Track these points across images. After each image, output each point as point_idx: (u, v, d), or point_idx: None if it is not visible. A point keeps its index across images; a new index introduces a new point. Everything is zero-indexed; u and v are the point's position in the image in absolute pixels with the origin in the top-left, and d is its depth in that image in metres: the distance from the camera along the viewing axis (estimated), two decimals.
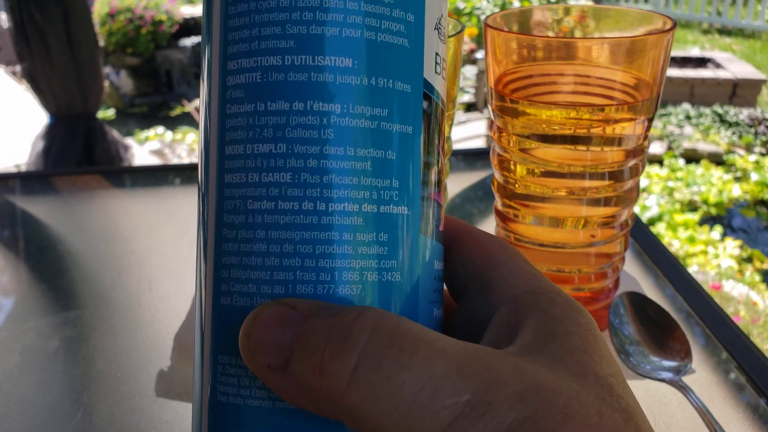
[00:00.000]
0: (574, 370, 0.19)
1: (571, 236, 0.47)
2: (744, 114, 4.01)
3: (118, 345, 0.54)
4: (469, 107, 4.18)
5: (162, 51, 5.04)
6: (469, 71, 4.33)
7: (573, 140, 0.43)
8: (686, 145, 3.64)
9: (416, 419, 0.18)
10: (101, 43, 4.56)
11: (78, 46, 2.16)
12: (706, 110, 4.07)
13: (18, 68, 3.46)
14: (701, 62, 4.63)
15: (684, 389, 0.43)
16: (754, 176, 3.31)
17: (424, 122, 0.22)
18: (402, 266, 0.21)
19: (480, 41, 4.46)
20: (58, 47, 2.12)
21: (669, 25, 0.43)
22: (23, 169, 2.70)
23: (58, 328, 0.56)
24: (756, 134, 3.84)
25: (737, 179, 3.34)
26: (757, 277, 2.46)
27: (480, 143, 3.60)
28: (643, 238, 0.68)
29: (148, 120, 4.51)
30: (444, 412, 0.18)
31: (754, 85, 4.29)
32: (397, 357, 0.18)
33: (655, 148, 3.55)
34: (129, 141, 3.04)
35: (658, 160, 3.49)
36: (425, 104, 0.22)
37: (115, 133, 2.46)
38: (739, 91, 4.28)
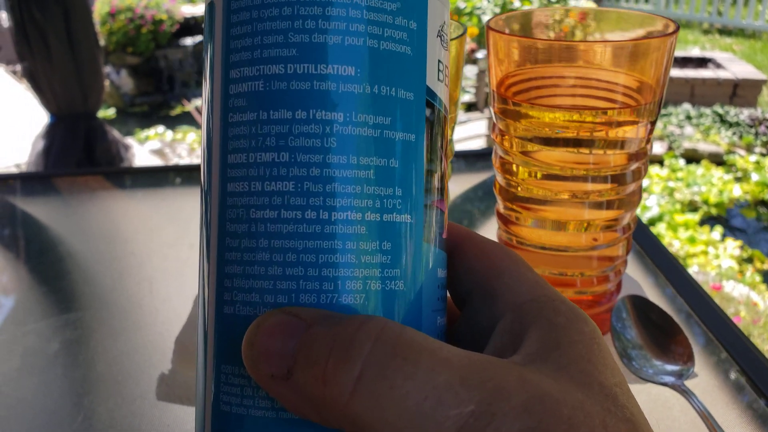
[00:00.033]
0: (578, 380, 0.19)
1: (573, 239, 0.47)
2: (744, 114, 4.01)
3: (118, 347, 0.54)
4: (470, 107, 4.18)
5: (162, 50, 5.04)
6: (470, 71, 4.33)
7: (575, 143, 0.43)
8: (687, 145, 3.64)
9: (420, 429, 0.18)
10: (102, 42, 4.55)
11: (78, 45, 2.16)
12: (707, 110, 4.07)
13: (18, 67, 3.46)
14: (702, 62, 4.63)
15: (686, 393, 0.43)
16: (755, 176, 3.31)
17: (426, 130, 0.22)
18: (405, 275, 0.21)
19: (480, 41, 4.46)
20: (58, 46, 2.12)
21: (672, 27, 0.43)
22: (23, 168, 2.70)
23: (58, 330, 0.56)
24: (756, 134, 3.84)
25: (738, 179, 3.34)
26: (758, 278, 2.46)
27: (480, 143, 3.60)
28: (643, 239, 0.68)
29: (148, 119, 4.51)
30: (448, 422, 0.17)
31: (755, 86, 4.29)
32: (400, 366, 0.18)
33: (656, 148, 3.55)
34: (129, 140, 3.04)
35: (659, 161, 3.49)
36: (428, 112, 0.22)
37: (115, 133, 2.46)
38: (739, 92, 4.28)
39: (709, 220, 2.99)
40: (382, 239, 0.21)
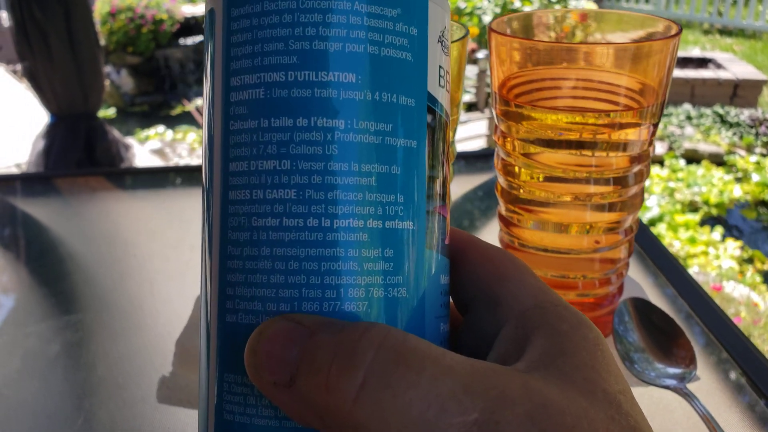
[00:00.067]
0: (582, 387, 0.19)
1: (575, 242, 0.47)
2: (745, 114, 4.01)
3: (119, 350, 0.54)
4: (470, 107, 4.18)
5: (163, 50, 5.04)
6: (470, 71, 4.33)
7: (578, 145, 0.43)
8: (687, 145, 3.64)
9: None
10: (102, 42, 4.55)
11: (79, 45, 2.16)
12: (707, 111, 4.07)
13: (19, 67, 3.46)
14: (702, 62, 4.63)
15: (689, 397, 0.43)
16: (755, 177, 3.31)
17: (428, 136, 0.22)
18: (408, 282, 0.21)
19: (481, 41, 4.46)
20: (59, 46, 2.12)
21: (674, 29, 0.43)
22: (24, 168, 2.70)
23: (58, 332, 0.56)
24: (757, 135, 3.84)
25: (738, 180, 3.34)
26: (758, 278, 2.46)
27: (481, 143, 3.60)
28: (643, 239, 0.68)
29: (148, 119, 4.51)
30: (452, 430, 0.17)
31: (755, 86, 4.29)
32: (404, 374, 0.18)
33: (656, 148, 3.55)
34: (130, 140, 3.04)
35: (659, 161, 3.49)
36: (429, 118, 0.22)
37: (115, 133, 2.46)
38: (739, 92, 4.28)
39: (709, 221, 2.99)
40: (384, 246, 0.21)
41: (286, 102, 0.20)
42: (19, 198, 0.84)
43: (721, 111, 4.05)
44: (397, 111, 0.21)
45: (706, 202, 3.08)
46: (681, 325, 0.48)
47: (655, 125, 0.45)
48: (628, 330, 0.47)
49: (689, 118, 4.01)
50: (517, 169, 0.46)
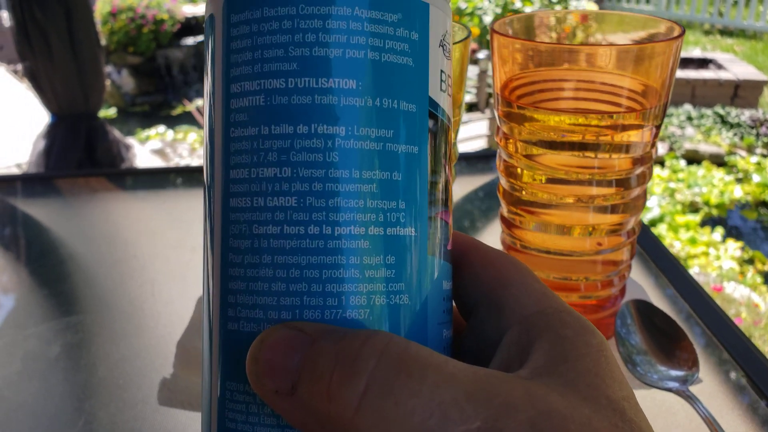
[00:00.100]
0: (586, 394, 0.19)
1: (578, 244, 0.46)
2: (745, 115, 4.01)
3: (120, 351, 0.54)
4: (471, 107, 4.18)
5: (163, 50, 5.04)
6: (471, 71, 4.32)
7: (581, 147, 0.43)
8: (688, 146, 3.63)
9: None
10: (103, 41, 4.56)
11: (80, 45, 2.16)
12: (708, 111, 4.07)
13: (19, 67, 3.46)
14: (703, 63, 4.63)
15: (691, 399, 0.43)
16: (756, 178, 3.30)
17: (429, 141, 0.22)
18: (410, 288, 0.21)
19: (482, 41, 4.46)
20: (59, 46, 2.12)
21: (677, 31, 0.43)
22: (24, 168, 2.70)
23: (59, 333, 0.56)
24: (758, 135, 3.84)
25: (739, 180, 3.34)
26: (759, 279, 2.46)
27: (482, 143, 3.60)
28: (644, 240, 0.67)
29: (149, 119, 4.51)
30: None
31: (756, 86, 4.29)
32: (406, 383, 0.18)
33: (657, 149, 3.55)
34: (130, 140, 3.04)
35: (660, 161, 3.49)
36: (431, 123, 0.22)
37: (116, 133, 2.46)
38: (740, 92, 4.28)
39: (709, 222, 2.98)
40: (386, 253, 0.21)
41: (287, 109, 0.20)
42: (20, 198, 0.84)
43: (721, 111, 4.04)
44: (399, 117, 0.21)
45: (707, 203, 3.08)
46: (682, 326, 0.48)
47: (658, 127, 0.44)
48: (630, 332, 0.47)
49: (690, 118, 4.01)
50: (519, 170, 0.46)
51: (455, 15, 4.75)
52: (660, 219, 2.87)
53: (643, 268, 0.64)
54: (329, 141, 0.20)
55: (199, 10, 5.29)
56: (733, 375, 0.50)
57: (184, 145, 3.82)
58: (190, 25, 5.17)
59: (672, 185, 3.20)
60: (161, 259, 0.69)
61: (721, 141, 3.74)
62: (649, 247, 0.67)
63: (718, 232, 2.76)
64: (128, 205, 0.84)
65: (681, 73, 4.27)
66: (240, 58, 0.21)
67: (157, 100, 4.95)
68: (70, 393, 0.50)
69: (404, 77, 0.21)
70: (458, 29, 0.49)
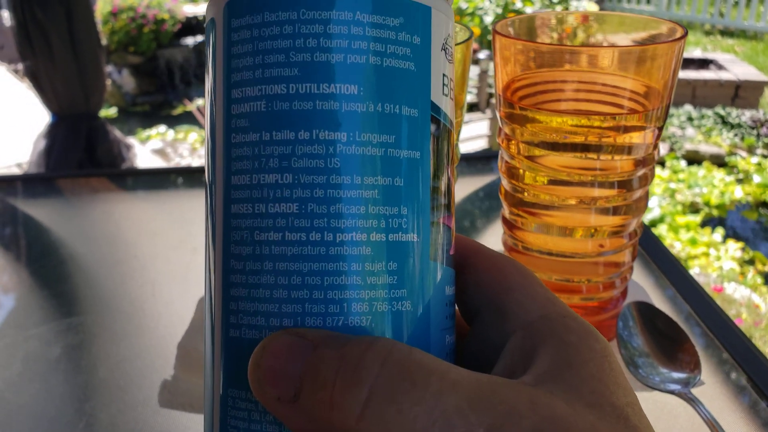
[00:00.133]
0: (589, 401, 0.19)
1: (579, 245, 0.46)
2: (746, 116, 4.01)
3: (121, 353, 0.53)
4: (471, 107, 4.18)
5: (164, 50, 5.04)
6: (471, 71, 4.32)
7: (583, 148, 0.43)
8: (688, 146, 3.63)
9: None
10: (103, 41, 4.55)
11: (80, 45, 2.16)
12: (708, 112, 4.07)
13: (20, 66, 3.46)
14: (703, 64, 4.63)
15: (693, 401, 0.43)
16: (756, 178, 3.30)
17: (432, 146, 0.22)
18: (412, 295, 0.21)
19: (482, 41, 4.46)
20: (60, 46, 2.12)
21: (679, 32, 0.43)
22: (25, 167, 2.70)
23: (60, 335, 0.56)
24: (758, 136, 3.84)
25: (739, 181, 3.34)
26: (759, 280, 2.45)
27: (482, 143, 3.60)
28: (644, 240, 0.67)
29: (150, 119, 4.51)
30: None
31: (757, 87, 4.29)
32: (408, 390, 0.18)
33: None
34: (131, 140, 3.04)
35: (660, 162, 3.49)
36: (433, 128, 0.22)
37: (117, 133, 2.45)
38: (741, 93, 4.28)
39: (710, 222, 2.98)
40: (388, 259, 0.20)
41: (288, 115, 0.20)
42: (20, 198, 0.84)
43: (722, 112, 4.04)
44: (400, 122, 0.21)
45: (707, 204, 3.07)
46: (682, 327, 0.48)
47: (660, 128, 0.44)
48: (632, 334, 0.47)
49: (690, 119, 4.01)
50: (521, 171, 0.46)
51: (456, 15, 4.75)
52: (660, 219, 2.86)
53: (644, 268, 0.64)
54: (331, 147, 0.20)
55: (200, 9, 5.29)
56: (734, 376, 0.50)
57: (184, 145, 3.82)
58: (191, 25, 5.17)
59: (672, 186, 3.20)
60: (162, 259, 0.69)
61: (722, 141, 3.74)
62: (649, 247, 0.67)
63: (719, 233, 2.76)
64: (129, 206, 0.84)
65: (681, 74, 4.27)
66: (241, 63, 0.21)
67: (158, 100, 4.95)
68: (71, 394, 0.50)
69: (406, 82, 0.21)
70: (460, 30, 0.48)
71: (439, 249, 0.22)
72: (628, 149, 0.43)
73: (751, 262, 2.61)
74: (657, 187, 3.16)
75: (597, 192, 0.44)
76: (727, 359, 0.51)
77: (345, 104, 0.20)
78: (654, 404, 0.46)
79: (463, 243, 0.25)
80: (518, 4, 4.94)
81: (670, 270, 0.63)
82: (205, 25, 0.23)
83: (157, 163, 3.50)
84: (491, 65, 3.93)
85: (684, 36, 0.42)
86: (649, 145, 0.44)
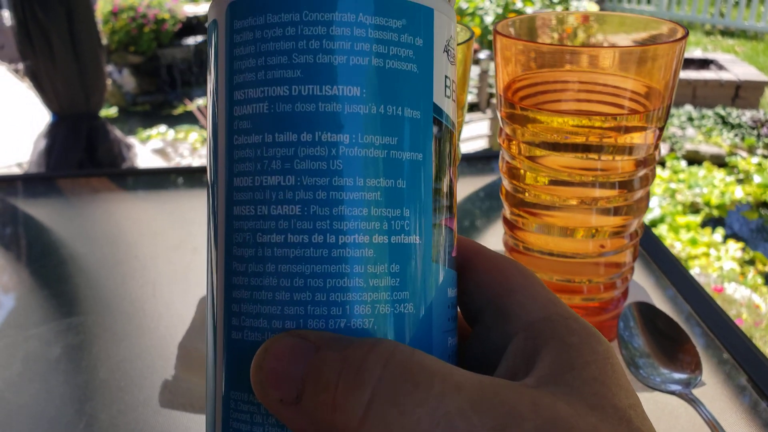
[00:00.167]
0: (592, 403, 0.19)
1: (580, 246, 0.46)
2: (746, 116, 4.00)
3: (121, 353, 0.53)
4: (472, 107, 4.18)
5: (165, 49, 5.04)
6: (472, 71, 4.31)
7: (584, 149, 0.43)
8: (688, 146, 3.63)
9: None
10: (104, 41, 4.56)
11: (81, 44, 2.16)
12: (709, 112, 4.07)
13: (20, 66, 3.46)
14: (704, 64, 4.63)
15: (694, 402, 0.43)
16: (757, 178, 3.30)
17: (434, 148, 0.22)
18: (415, 297, 0.21)
19: (483, 41, 4.46)
20: (61, 46, 2.12)
21: (680, 33, 0.43)
22: (25, 167, 2.70)
23: (60, 335, 0.56)
24: (758, 136, 3.84)
25: (739, 181, 3.33)
26: (760, 280, 2.45)
27: (483, 144, 3.60)
28: (645, 240, 0.67)
29: (150, 118, 4.51)
30: None
31: (757, 87, 4.29)
32: (411, 392, 0.18)
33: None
34: (131, 140, 3.04)
35: (660, 162, 3.48)
36: (435, 129, 0.22)
37: (117, 132, 2.45)
38: (741, 93, 4.28)
39: (710, 222, 2.98)
40: (390, 262, 0.20)
41: (290, 116, 0.20)
42: (21, 198, 0.84)
43: (722, 112, 4.04)
44: (403, 124, 0.21)
45: (708, 204, 3.07)
46: (683, 327, 0.48)
47: (661, 129, 0.44)
48: (633, 335, 0.47)
49: (691, 119, 4.01)
50: (522, 172, 0.46)
51: (456, 15, 4.75)
52: (661, 220, 2.86)
53: (645, 268, 0.64)
54: (333, 149, 0.20)
55: (201, 9, 5.29)
56: (734, 376, 0.50)
57: (185, 145, 3.82)
58: (192, 25, 5.17)
59: (673, 186, 3.20)
60: (162, 259, 0.68)
61: (722, 142, 3.74)
62: (650, 248, 0.67)
63: (719, 233, 2.76)
64: (129, 205, 0.84)
65: (682, 74, 4.26)
66: (243, 64, 0.21)
67: (158, 100, 4.96)
68: (71, 395, 0.50)
69: (408, 84, 0.21)
70: (460, 30, 0.48)
71: (441, 251, 0.22)
72: (629, 150, 0.43)
73: (751, 262, 2.61)
74: (657, 188, 3.17)
75: (598, 192, 0.44)
76: (727, 359, 0.51)
77: (347, 106, 0.20)
78: (655, 405, 0.46)
79: (464, 244, 0.24)
80: (519, 5, 4.94)
81: (670, 270, 0.63)
82: (207, 27, 0.23)
83: (158, 162, 3.50)
84: (492, 65, 3.93)
85: (685, 36, 0.42)
86: (650, 146, 0.44)
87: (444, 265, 0.22)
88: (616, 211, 0.45)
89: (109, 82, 3.78)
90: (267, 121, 0.20)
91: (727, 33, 6.42)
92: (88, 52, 2.19)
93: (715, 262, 2.57)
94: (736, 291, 2.32)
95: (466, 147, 3.44)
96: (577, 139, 0.43)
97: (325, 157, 0.20)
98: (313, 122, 0.20)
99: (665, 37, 0.44)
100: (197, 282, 0.60)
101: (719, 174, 3.35)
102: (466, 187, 0.85)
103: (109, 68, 4.85)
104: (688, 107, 4.15)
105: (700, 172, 3.35)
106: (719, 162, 3.55)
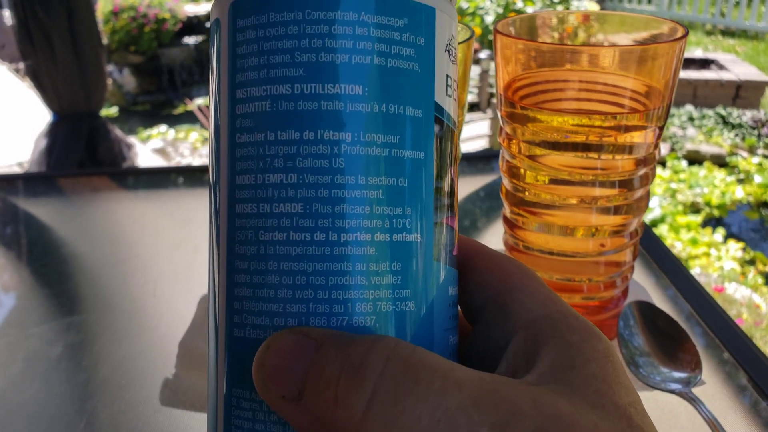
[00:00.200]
0: (592, 400, 0.19)
1: (580, 245, 0.46)
2: (747, 116, 4.00)
3: (122, 351, 0.53)
4: (472, 107, 4.18)
5: (165, 49, 5.04)
6: (472, 71, 4.31)
7: (584, 148, 0.43)
8: (689, 146, 3.63)
9: None
10: (105, 40, 4.56)
11: (82, 44, 2.16)
12: (709, 112, 4.07)
13: (21, 65, 3.46)
14: (704, 64, 4.63)
15: (694, 401, 0.43)
16: (757, 178, 3.30)
17: (435, 147, 0.22)
18: (416, 295, 0.21)
19: (483, 41, 4.46)
20: (61, 46, 2.12)
21: (681, 32, 0.43)
22: (26, 166, 2.70)
23: (61, 333, 0.56)
24: (759, 136, 3.84)
25: (740, 181, 3.33)
26: (760, 280, 2.45)
27: (483, 143, 3.60)
28: (645, 239, 0.67)
29: (151, 118, 4.51)
30: None
31: (758, 87, 4.29)
32: (412, 389, 0.18)
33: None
34: (132, 139, 3.04)
35: (661, 162, 3.48)
36: (437, 128, 0.22)
37: (118, 132, 2.45)
38: (742, 93, 4.28)
39: (711, 222, 2.98)
40: (392, 259, 0.20)
41: (293, 115, 0.20)
42: (21, 197, 0.84)
43: (723, 112, 4.04)
44: (405, 122, 0.21)
45: (708, 204, 3.07)
46: (683, 326, 0.48)
47: (661, 128, 0.44)
48: (633, 334, 0.47)
49: (691, 119, 4.01)
50: (522, 171, 0.46)
51: (457, 15, 4.76)
52: (661, 219, 2.87)
53: (645, 268, 0.64)
54: (335, 147, 0.20)
55: (201, 9, 5.29)
56: (736, 377, 0.50)
57: (185, 144, 3.82)
58: (192, 24, 5.17)
59: (673, 186, 3.20)
60: (163, 258, 0.69)
61: (723, 142, 3.74)
62: (650, 247, 0.67)
63: (719, 233, 2.76)
64: (130, 205, 0.84)
65: (682, 74, 4.26)
66: (246, 63, 0.21)
67: (159, 99, 4.96)
68: (72, 393, 0.50)
69: (410, 83, 0.21)
70: (461, 30, 0.48)
71: (443, 249, 0.22)
72: (629, 149, 0.43)
73: (751, 262, 2.61)
74: (658, 187, 3.17)
75: (598, 191, 0.44)
76: (727, 359, 0.51)
77: (349, 104, 0.20)
78: (655, 404, 0.46)
79: (465, 243, 0.25)
80: (519, 4, 4.94)
81: (671, 270, 0.63)
82: (209, 26, 0.23)
83: (158, 162, 3.51)
84: (492, 65, 3.93)
85: (685, 36, 0.42)
86: (650, 145, 0.44)
87: (445, 263, 0.22)
88: (616, 210, 0.45)
89: (109, 81, 3.77)
90: (269, 119, 0.20)
91: (727, 33, 6.42)
92: (89, 51, 2.19)
93: (716, 262, 2.57)
94: (736, 291, 2.32)
95: (467, 146, 3.44)
96: (577, 138, 0.43)
97: (327, 156, 0.20)
98: (316, 120, 0.20)
99: (665, 37, 0.44)
100: (198, 281, 0.60)
101: (720, 174, 3.35)
102: (467, 186, 0.85)
103: (110, 68, 4.85)
104: (689, 107, 4.15)
105: (701, 172, 3.35)
106: (720, 162, 3.55)
